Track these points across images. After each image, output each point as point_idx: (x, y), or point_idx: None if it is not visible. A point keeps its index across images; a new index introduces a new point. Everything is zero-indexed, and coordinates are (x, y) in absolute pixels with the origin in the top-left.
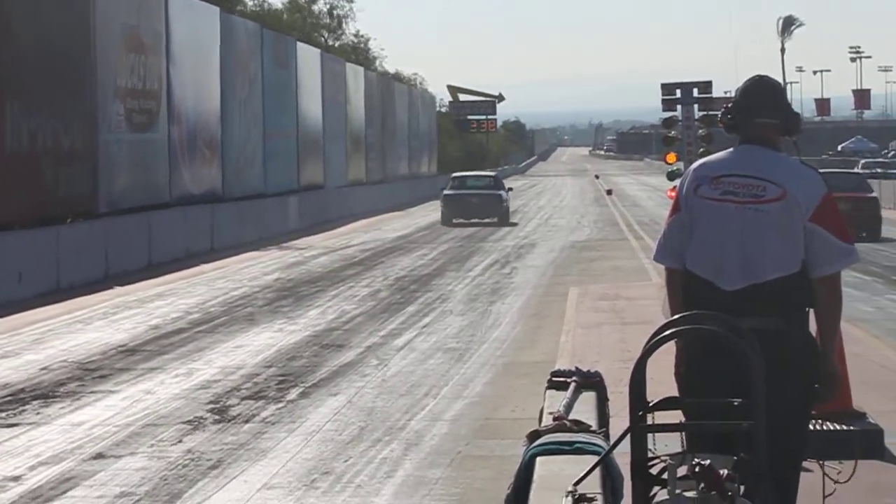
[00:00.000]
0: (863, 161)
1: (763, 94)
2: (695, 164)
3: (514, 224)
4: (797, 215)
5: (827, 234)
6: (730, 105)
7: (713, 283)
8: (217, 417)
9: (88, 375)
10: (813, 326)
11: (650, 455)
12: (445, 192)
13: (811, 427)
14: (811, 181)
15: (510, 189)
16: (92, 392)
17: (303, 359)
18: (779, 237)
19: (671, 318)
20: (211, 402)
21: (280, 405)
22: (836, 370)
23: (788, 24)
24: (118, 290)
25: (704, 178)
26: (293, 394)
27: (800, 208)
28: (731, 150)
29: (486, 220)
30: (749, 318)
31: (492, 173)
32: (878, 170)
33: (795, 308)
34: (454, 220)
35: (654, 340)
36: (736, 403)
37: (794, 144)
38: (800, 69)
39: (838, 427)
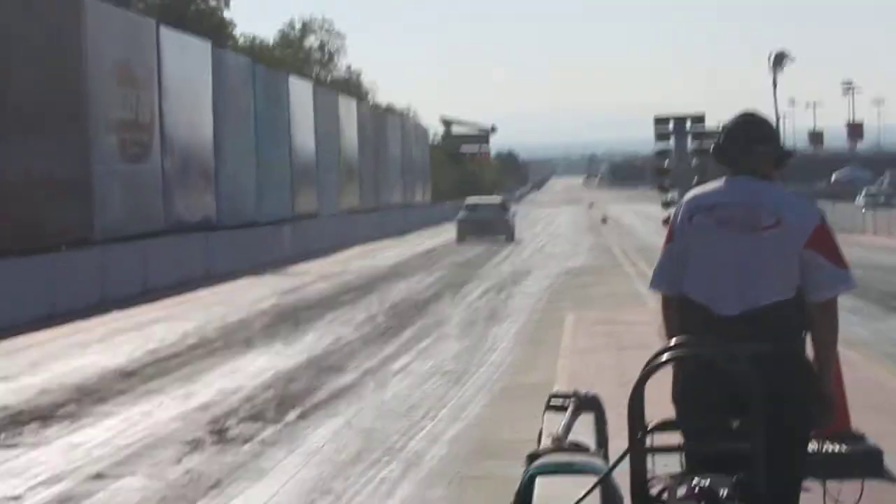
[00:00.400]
0: (864, 190)
1: (756, 125)
2: (688, 195)
3: (518, 242)
4: (792, 242)
5: (823, 259)
6: (724, 136)
7: (709, 308)
8: (216, 438)
9: (87, 398)
10: (810, 351)
11: (649, 476)
12: (459, 215)
13: (811, 448)
14: (805, 209)
15: (515, 212)
16: (91, 414)
17: (301, 382)
18: (774, 264)
19: (669, 343)
20: (210, 424)
21: (279, 426)
22: (833, 395)
23: (780, 59)
24: (115, 314)
25: (698, 207)
26: (292, 415)
27: (794, 236)
28: (723, 180)
29: (497, 238)
30: (745, 344)
31: (499, 199)
32: (882, 199)
33: (790, 333)
34: (467, 238)
35: (652, 363)
36: (735, 425)
37: (780, 177)
38: (792, 102)
39: (838, 448)
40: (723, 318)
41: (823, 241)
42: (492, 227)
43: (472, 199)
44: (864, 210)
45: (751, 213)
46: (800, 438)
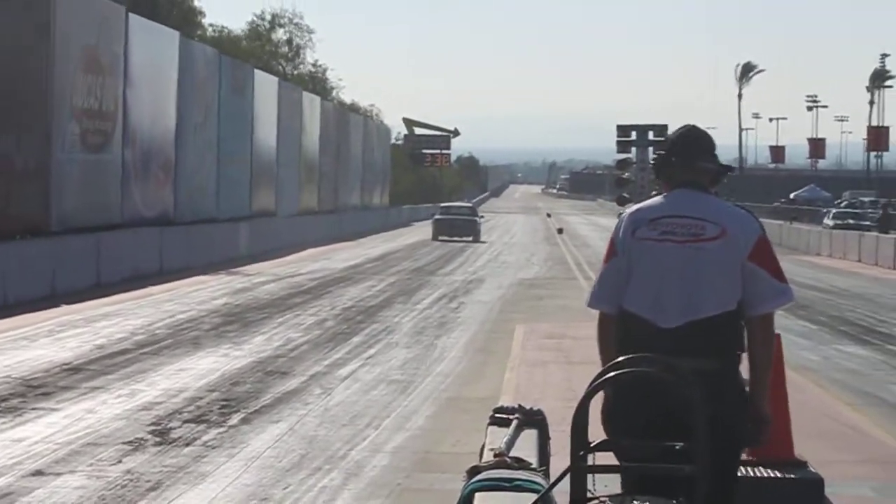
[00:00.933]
0: (834, 211)
1: (700, 140)
2: (629, 209)
3: (484, 242)
4: (736, 254)
5: (764, 273)
6: (666, 150)
7: (650, 321)
8: (158, 439)
9: (31, 392)
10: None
11: (589, 495)
12: (436, 216)
13: (753, 474)
14: (747, 222)
15: (483, 216)
16: (34, 409)
17: (246, 384)
18: (718, 275)
19: (616, 360)
20: (152, 424)
21: (221, 430)
22: (767, 413)
23: (747, 71)
24: (65, 308)
25: (641, 220)
26: (235, 419)
27: (738, 247)
28: (664, 194)
29: (466, 238)
30: (685, 358)
31: (469, 204)
32: (851, 221)
33: (730, 349)
34: (441, 238)
35: (597, 381)
36: (678, 447)
37: (714, 194)
38: (756, 116)
39: (779, 475)
40: (664, 331)
41: (764, 254)
42: (462, 229)
43: (446, 204)
44: (832, 231)
45: (695, 225)
46: (734, 456)
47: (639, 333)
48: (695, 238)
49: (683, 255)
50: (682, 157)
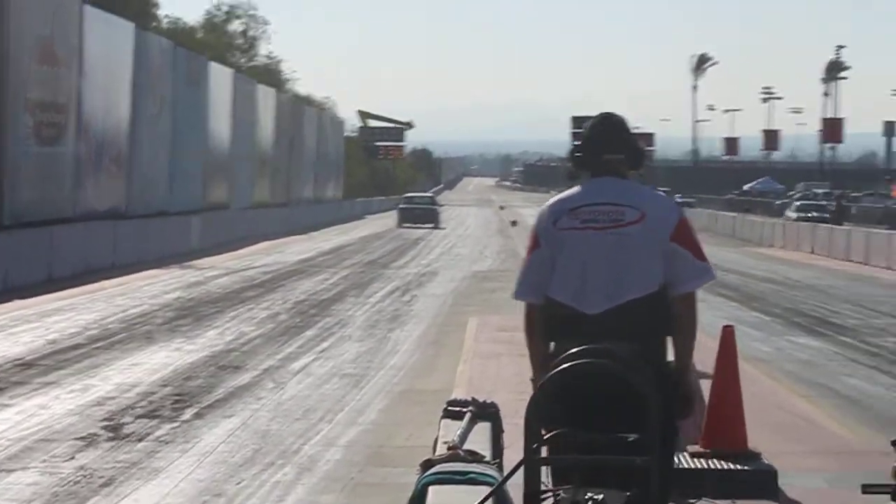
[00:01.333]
0: (797, 203)
1: (609, 131)
2: (549, 201)
3: (426, 243)
4: (657, 236)
5: (686, 252)
6: (578, 143)
7: (575, 308)
8: (111, 435)
9: None
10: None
11: (543, 488)
12: (400, 205)
13: (707, 466)
14: (667, 204)
15: (442, 204)
16: None
17: (199, 379)
18: (640, 258)
19: (571, 351)
20: (105, 420)
21: (174, 425)
22: (693, 387)
23: (702, 63)
24: (17, 303)
25: (562, 211)
26: (188, 414)
27: (659, 229)
28: (581, 184)
29: (427, 225)
30: (609, 343)
31: (430, 194)
32: (814, 213)
33: (651, 332)
34: (405, 224)
35: (550, 374)
36: (631, 439)
37: (640, 177)
38: (711, 108)
39: (733, 467)
40: (588, 318)
41: (686, 235)
42: (424, 216)
43: (409, 194)
44: (785, 223)
45: (614, 211)
46: (667, 438)
47: (564, 321)
48: (615, 224)
49: (605, 242)
50: (592, 149)
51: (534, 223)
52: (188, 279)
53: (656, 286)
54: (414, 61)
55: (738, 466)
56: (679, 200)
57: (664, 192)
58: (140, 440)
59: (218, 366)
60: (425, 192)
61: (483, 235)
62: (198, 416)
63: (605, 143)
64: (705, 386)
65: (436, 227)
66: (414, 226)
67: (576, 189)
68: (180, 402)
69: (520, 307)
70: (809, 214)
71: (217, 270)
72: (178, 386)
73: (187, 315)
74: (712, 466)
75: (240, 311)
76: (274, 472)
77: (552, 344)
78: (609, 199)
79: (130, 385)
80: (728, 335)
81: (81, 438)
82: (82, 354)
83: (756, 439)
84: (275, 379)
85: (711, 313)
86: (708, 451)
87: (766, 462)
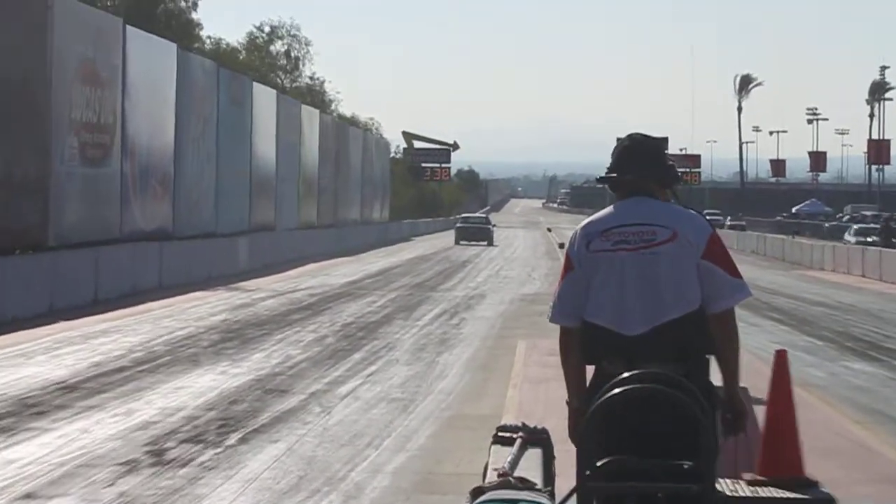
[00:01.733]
0: (856, 226)
1: (639, 151)
2: (581, 224)
3: (475, 265)
4: (690, 254)
5: (719, 270)
6: (613, 161)
7: (614, 330)
8: (153, 460)
9: (26, 411)
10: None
11: None
12: (457, 224)
13: (763, 494)
14: (697, 221)
15: (495, 224)
16: (28, 428)
17: (245, 403)
18: (675, 277)
19: (621, 376)
20: (148, 444)
21: (219, 450)
22: (743, 405)
23: (746, 83)
24: (63, 324)
25: (594, 233)
26: (233, 439)
27: (691, 247)
28: (613, 206)
29: (482, 243)
30: (650, 364)
31: (484, 215)
32: (874, 237)
33: (695, 352)
34: (461, 242)
35: (603, 398)
36: (686, 466)
37: (673, 195)
38: (756, 129)
39: (789, 495)
40: (628, 339)
41: (717, 252)
42: (479, 234)
43: (465, 215)
44: (835, 245)
45: (646, 231)
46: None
47: (603, 344)
48: (647, 244)
49: (639, 262)
50: (622, 170)
51: (567, 246)
52: (234, 301)
53: (696, 304)
54: (457, 82)
55: (796, 495)
56: (730, 223)
57: (716, 214)
58: (183, 466)
59: (264, 390)
60: (478, 213)
61: (531, 257)
62: (242, 440)
63: (635, 165)
64: (759, 412)
65: (490, 245)
66: (469, 243)
67: (607, 210)
68: (225, 426)
69: None
70: (868, 239)
71: (263, 292)
72: (223, 410)
73: (233, 338)
74: (769, 494)
75: (286, 333)
76: (319, 500)
77: (593, 367)
78: (640, 219)
79: (175, 409)
80: (781, 359)
81: (123, 464)
82: (126, 377)
83: (812, 466)
84: (321, 403)
85: (763, 337)
86: (764, 478)
87: (824, 490)
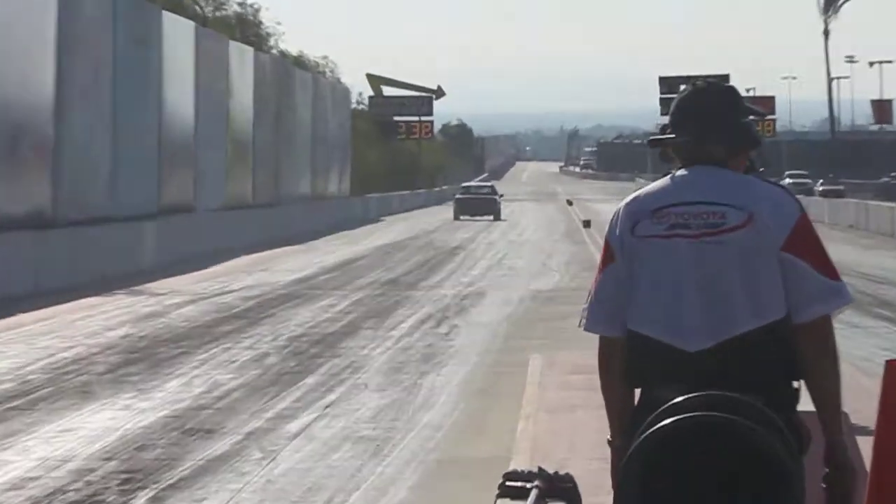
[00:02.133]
0: None
1: (701, 103)
2: (625, 199)
3: (469, 251)
4: (769, 244)
5: (806, 266)
6: (671, 118)
7: (669, 344)
8: None
9: None
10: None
11: None
12: (457, 196)
13: None
14: (782, 201)
15: (502, 195)
16: None
17: (157, 449)
18: (749, 274)
19: (675, 401)
20: None
21: None
22: (849, 457)
23: (832, 1)
24: None
25: (642, 213)
26: (141, 499)
27: (771, 235)
28: (669, 176)
29: (486, 217)
30: (716, 390)
31: (489, 183)
32: None
33: (779, 376)
34: (462, 217)
35: (650, 430)
36: None
37: (751, 161)
38: (851, 59)
39: None
40: (688, 356)
41: (806, 242)
42: (483, 207)
43: (466, 184)
44: None
45: (712, 213)
46: None
47: (655, 362)
48: (713, 230)
49: (701, 255)
50: (687, 133)
51: (606, 230)
52: (140, 309)
53: (781, 311)
54: (440, 9)
55: None
56: (822, 189)
57: (802, 176)
58: None
59: (183, 430)
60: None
61: (545, 239)
62: (155, 501)
63: (689, 122)
64: (864, 445)
65: (496, 219)
66: (472, 218)
67: (661, 183)
68: (130, 482)
69: (597, 341)
70: None
71: (179, 297)
72: (126, 459)
73: (140, 360)
74: None
75: (212, 352)
76: None
77: (638, 392)
78: (704, 196)
79: (60, 459)
80: (893, 373)
81: None
82: None
83: None
84: (263, 447)
85: (867, 342)
86: None
87: None
